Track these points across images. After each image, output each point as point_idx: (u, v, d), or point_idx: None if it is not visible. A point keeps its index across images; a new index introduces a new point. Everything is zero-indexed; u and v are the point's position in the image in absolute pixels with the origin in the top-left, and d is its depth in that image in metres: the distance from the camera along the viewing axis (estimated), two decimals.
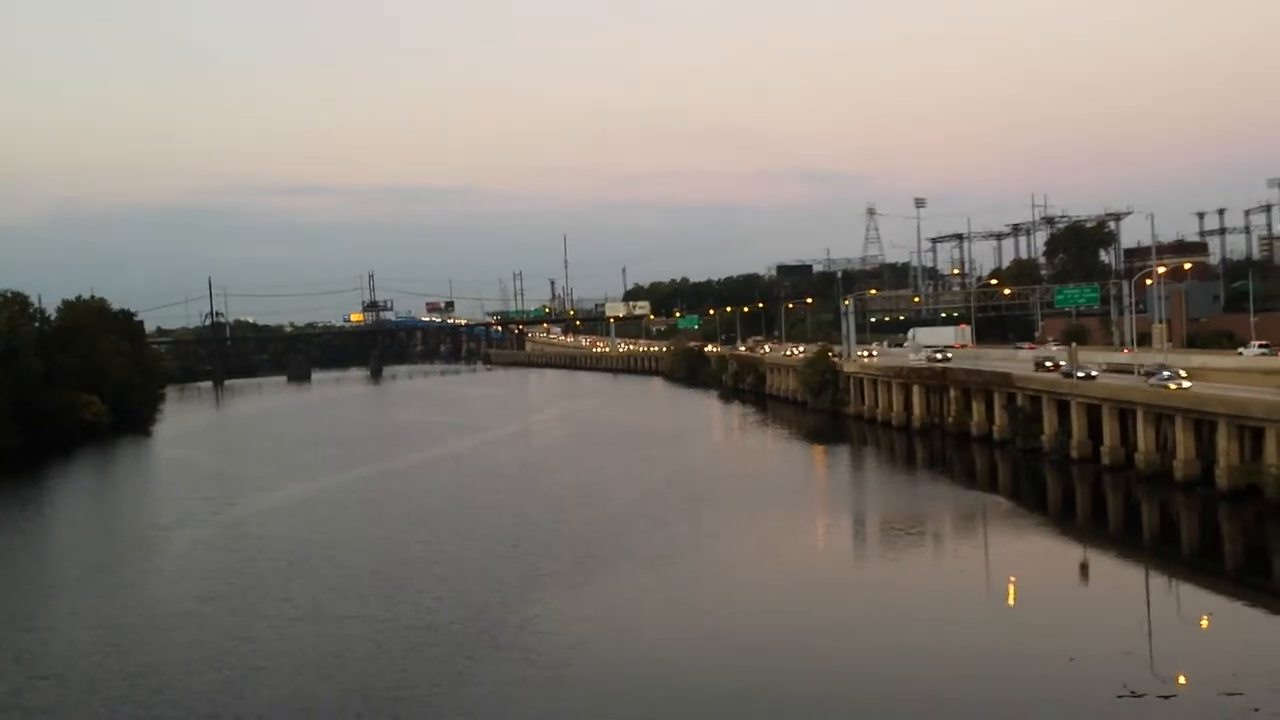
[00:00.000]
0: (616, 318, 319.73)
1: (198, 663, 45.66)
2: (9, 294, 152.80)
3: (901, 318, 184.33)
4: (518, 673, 42.66)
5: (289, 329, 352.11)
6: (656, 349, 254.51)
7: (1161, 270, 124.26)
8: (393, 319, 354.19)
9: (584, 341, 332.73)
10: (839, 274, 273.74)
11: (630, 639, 47.51)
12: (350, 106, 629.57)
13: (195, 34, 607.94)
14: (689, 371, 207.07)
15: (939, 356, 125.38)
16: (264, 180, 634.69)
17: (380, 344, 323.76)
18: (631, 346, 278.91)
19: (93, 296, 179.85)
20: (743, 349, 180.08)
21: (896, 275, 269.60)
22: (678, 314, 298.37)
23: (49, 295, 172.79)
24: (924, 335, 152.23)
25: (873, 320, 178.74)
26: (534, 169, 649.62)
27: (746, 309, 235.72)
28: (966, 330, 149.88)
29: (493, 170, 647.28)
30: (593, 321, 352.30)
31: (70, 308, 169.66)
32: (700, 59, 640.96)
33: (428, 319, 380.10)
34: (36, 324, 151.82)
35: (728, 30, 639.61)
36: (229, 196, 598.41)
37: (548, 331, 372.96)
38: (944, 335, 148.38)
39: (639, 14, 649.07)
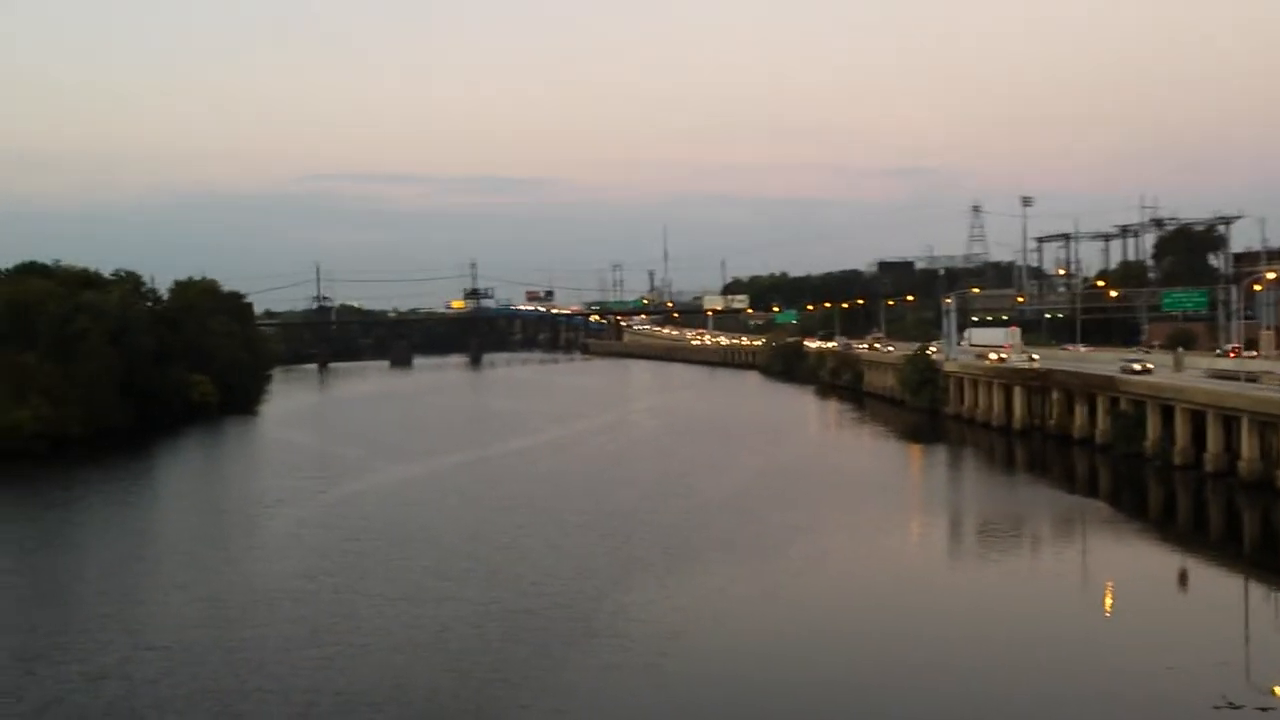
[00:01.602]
0: (714, 310, 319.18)
1: (300, 639, 46.80)
2: (123, 274, 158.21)
3: (1005, 317, 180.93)
4: (613, 659, 42.94)
5: (392, 314, 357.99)
6: (753, 343, 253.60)
7: (1271, 276, 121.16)
8: (493, 307, 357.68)
9: (681, 333, 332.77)
10: (941, 271, 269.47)
11: (723, 629, 47.50)
12: (455, 96, 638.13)
13: (305, 23, 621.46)
14: (786, 366, 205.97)
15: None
16: (372, 167, 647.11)
17: (480, 331, 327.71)
18: (728, 340, 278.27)
19: (203, 278, 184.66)
20: (862, 346, 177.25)
21: (1000, 274, 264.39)
22: (776, 308, 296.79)
23: (161, 276, 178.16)
24: (978, 335, 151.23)
25: (974, 319, 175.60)
26: (636, 160, 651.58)
27: (845, 305, 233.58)
28: (1017, 332, 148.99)
29: (595, 161, 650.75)
30: (690, 314, 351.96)
31: (181, 288, 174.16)
32: (804, 50, 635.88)
33: (527, 308, 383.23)
34: (149, 304, 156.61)
35: (834, 22, 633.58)
36: (338, 183, 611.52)
37: (646, 323, 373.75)
38: (995, 336, 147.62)
39: (741, 5, 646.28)
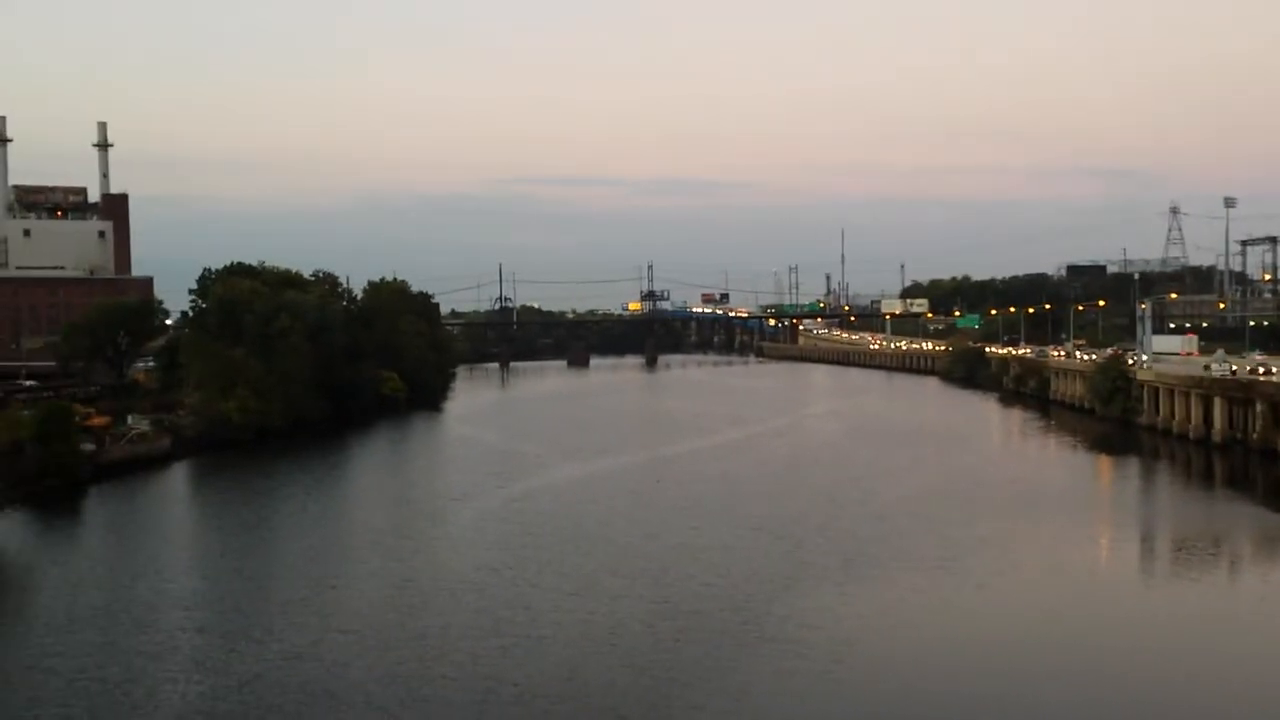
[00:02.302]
0: (892, 314, 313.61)
1: (482, 628, 48.34)
2: (321, 274, 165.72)
3: (1204, 324, 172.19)
4: (787, 664, 42.88)
5: (570, 315, 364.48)
6: (933, 348, 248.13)
7: None
8: (668, 309, 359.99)
9: (858, 338, 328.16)
10: (1136, 276, 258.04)
11: (901, 640, 46.77)
12: (634, 101, 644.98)
13: (488, 33, 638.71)
14: (967, 372, 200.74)
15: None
16: (554, 171, 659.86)
17: (656, 333, 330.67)
18: (907, 344, 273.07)
19: (395, 278, 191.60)
20: (1059, 353, 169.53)
21: (1200, 279, 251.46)
22: (957, 313, 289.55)
23: (355, 276, 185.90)
24: (1157, 343, 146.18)
25: (1171, 326, 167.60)
26: (813, 163, 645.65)
27: (1031, 310, 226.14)
28: (1194, 340, 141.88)
29: (772, 165, 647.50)
30: (868, 318, 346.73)
31: (374, 289, 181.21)
32: (988, 50, 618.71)
33: (702, 310, 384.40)
34: (344, 303, 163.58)
35: (1029, 20, 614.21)
36: (521, 186, 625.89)
37: (821, 326, 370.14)
38: (1171, 344, 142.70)
39: (934, 2, 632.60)
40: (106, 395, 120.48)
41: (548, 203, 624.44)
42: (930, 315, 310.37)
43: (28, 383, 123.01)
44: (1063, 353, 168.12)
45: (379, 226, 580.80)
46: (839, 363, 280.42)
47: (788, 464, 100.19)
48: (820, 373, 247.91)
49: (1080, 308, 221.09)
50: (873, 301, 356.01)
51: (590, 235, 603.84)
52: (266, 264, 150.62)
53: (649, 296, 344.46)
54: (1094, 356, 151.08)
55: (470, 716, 38.58)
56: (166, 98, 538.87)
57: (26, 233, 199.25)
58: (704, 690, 40.34)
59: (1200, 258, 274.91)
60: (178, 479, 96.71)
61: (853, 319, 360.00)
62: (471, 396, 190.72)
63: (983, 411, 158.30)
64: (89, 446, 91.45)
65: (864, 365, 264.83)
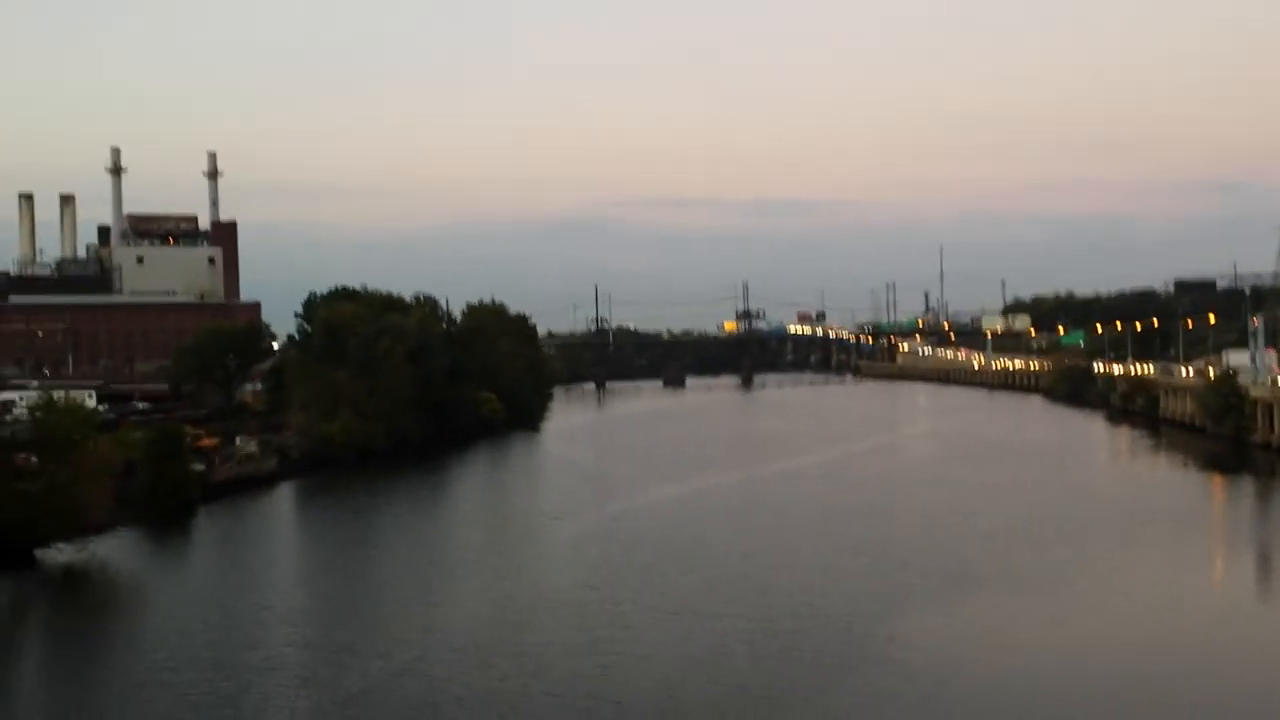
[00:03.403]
0: (994, 332, 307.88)
1: (581, 646, 48.46)
2: (421, 297, 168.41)
3: None
4: (889, 686, 42.18)
5: (666, 335, 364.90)
6: (1037, 365, 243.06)
7: None
8: (764, 328, 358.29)
9: (959, 355, 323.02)
10: (1247, 291, 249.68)
11: (1008, 663, 45.69)
12: (728, 121, 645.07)
13: (581, 53, 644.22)
14: (1072, 390, 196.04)
15: None
16: (649, 192, 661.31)
17: (751, 352, 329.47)
18: (1009, 362, 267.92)
19: (493, 301, 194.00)
20: (1186, 371, 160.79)
21: None
22: (1061, 329, 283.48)
23: (454, 298, 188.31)
24: (1233, 358, 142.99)
25: None
26: (911, 180, 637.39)
27: (1139, 326, 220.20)
28: (1274, 355, 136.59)
29: (868, 182, 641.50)
30: (968, 335, 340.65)
31: (472, 311, 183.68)
32: (1087, 61, 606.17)
33: (798, 329, 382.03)
34: (443, 325, 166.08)
35: (1135, 35, 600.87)
36: (616, 209, 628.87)
37: (920, 344, 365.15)
38: (1242, 359, 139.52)
39: (1018, 14, 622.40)
40: (216, 417, 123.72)
41: (643, 224, 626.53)
42: (1033, 332, 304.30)
43: (140, 405, 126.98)
44: (1190, 371, 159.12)
45: (477, 249, 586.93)
46: (939, 381, 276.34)
47: (887, 483, 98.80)
48: (919, 391, 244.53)
49: (1190, 323, 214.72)
50: (973, 319, 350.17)
51: (685, 256, 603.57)
52: (369, 287, 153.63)
53: (744, 316, 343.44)
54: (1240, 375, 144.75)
55: None
56: (273, 127, 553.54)
57: (140, 260, 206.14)
58: (806, 712, 39.89)
59: None
60: (284, 499, 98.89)
61: (953, 336, 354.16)
62: (568, 417, 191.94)
63: (1089, 429, 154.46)
64: (199, 467, 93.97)
65: (965, 384, 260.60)
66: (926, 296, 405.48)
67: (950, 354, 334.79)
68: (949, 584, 58.33)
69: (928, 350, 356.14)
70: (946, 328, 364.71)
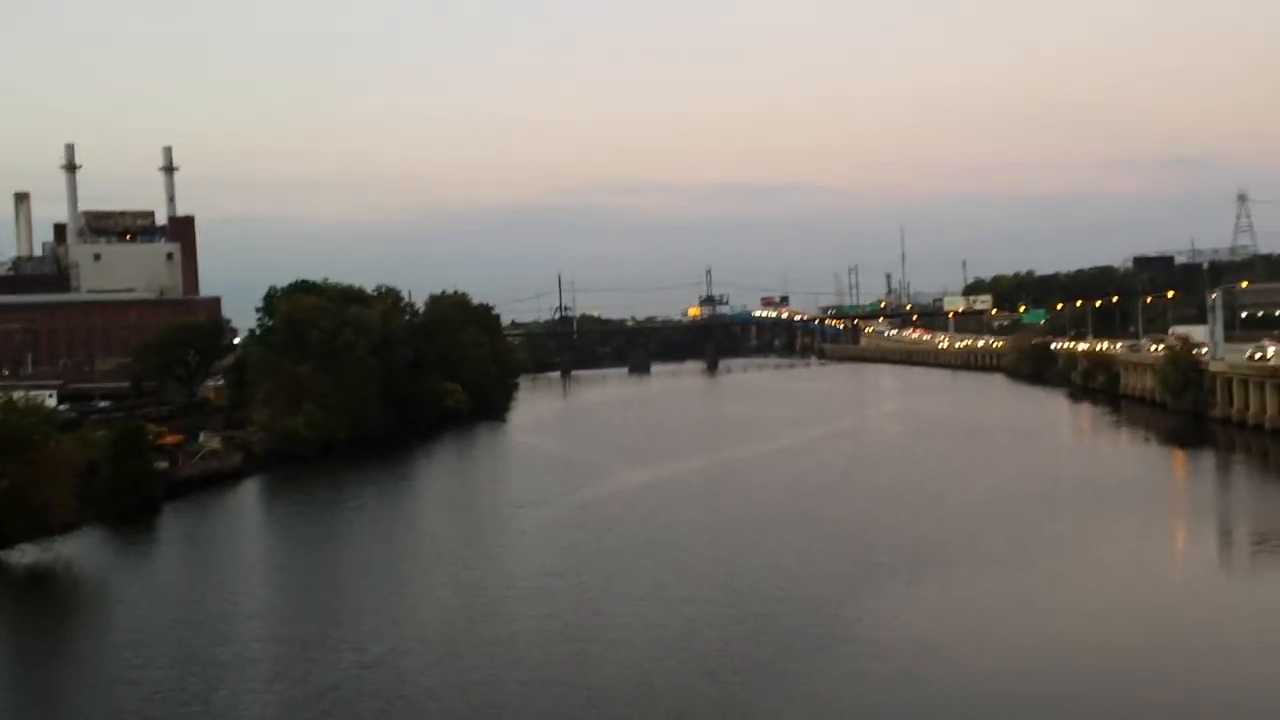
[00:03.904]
0: (956, 312, 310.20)
1: (552, 634, 48.51)
2: (383, 289, 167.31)
3: (1277, 313, 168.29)
4: (861, 666, 42.50)
5: (630, 323, 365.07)
6: (998, 344, 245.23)
7: None
8: (728, 313, 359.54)
9: (921, 336, 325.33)
10: (1205, 266, 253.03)
11: (977, 640, 46.14)
12: (688, 107, 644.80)
13: (540, 42, 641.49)
14: (1034, 368, 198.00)
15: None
16: (609, 178, 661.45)
17: (715, 338, 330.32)
18: (971, 342, 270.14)
19: (455, 291, 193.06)
20: (1156, 347, 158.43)
21: (1270, 267, 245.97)
22: (1022, 308, 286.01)
23: (416, 289, 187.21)
24: (1181, 332, 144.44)
25: (1244, 315, 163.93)
26: (870, 163, 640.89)
27: (1099, 303, 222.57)
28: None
29: (827, 166, 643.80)
30: (930, 316, 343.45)
31: (435, 302, 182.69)
32: (1042, 41, 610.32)
33: (762, 313, 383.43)
34: (406, 317, 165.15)
35: (1086, 12, 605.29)
36: (576, 196, 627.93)
37: (884, 326, 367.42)
38: (1198, 334, 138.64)
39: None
40: (178, 414, 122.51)
41: (605, 211, 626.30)
42: (995, 312, 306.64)
43: (102, 403, 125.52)
44: (1159, 346, 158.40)
45: (439, 240, 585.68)
46: (902, 362, 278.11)
47: (854, 465, 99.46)
48: (884, 373, 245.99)
49: (1148, 299, 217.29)
50: (935, 300, 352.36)
51: (648, 242, 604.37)
52: (330, 280, 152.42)
53: (708, 301, 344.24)
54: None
55: None
56: (228, 122, 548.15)
57: (97, 257, 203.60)
58: (778, 693, 40.10)
59: (1272, 244, 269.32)
60: (249, 494, 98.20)
61: (915, 318, 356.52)
62: (534, 406, 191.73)
63: (1051, 407, 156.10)
64: (163, 464, 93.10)
65: (928, 364, 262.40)
66: (889, 278, 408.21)
67: (913, 335, 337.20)
68: (917, 562, 58.83)
69: (891, 332, 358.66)
70: (909, 309, 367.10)
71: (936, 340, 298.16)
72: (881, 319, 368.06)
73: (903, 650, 43.95)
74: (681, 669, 43.02)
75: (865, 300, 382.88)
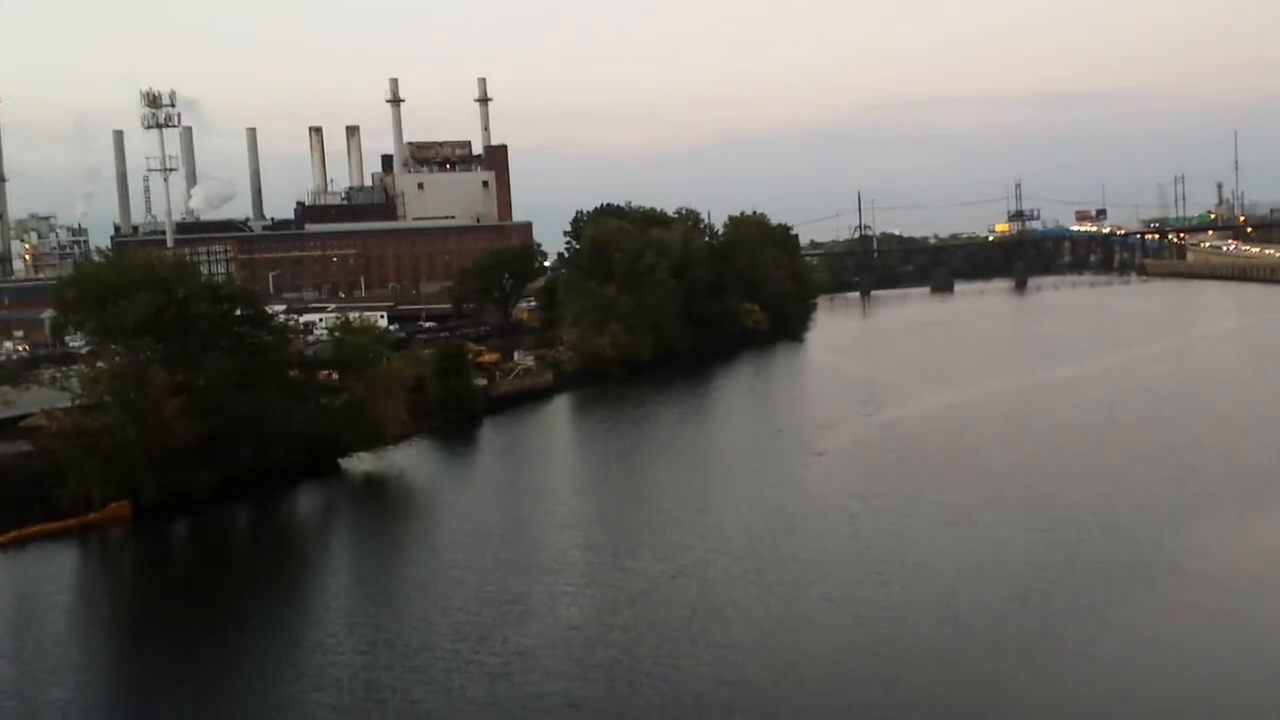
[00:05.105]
0: None
1: (853, 554, 48.42)
2: (684, 211, 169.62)
3: None
4: (1183, 598, 40.21)
5: (933, 240, 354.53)
6: None
7: None
8: (1039, 229, 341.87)
9: (1258, 250, 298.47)
10: None
11: None
12: (989, 15, 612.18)
13: None
14: None
15: None
16: (912, 94, 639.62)
17: (1025, 254, 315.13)
18: None
19: (754, 212, 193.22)
20: None
21: None
22: None
23: (716, 212, 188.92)
24: None
25: None
26: (1197, 63, 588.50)
27: None
28: None
29: (1149, 70, 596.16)
30: (1268, 228, 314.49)
31: (735, 223, 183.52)
32: None
33: (1076, 228, 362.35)
34: (706, 239, 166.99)
35: None
36: (878, 113, 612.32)
37: (1213, 240, 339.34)
38: None
39: None
40: (495, 334, 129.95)
41: (906, 127, 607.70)
42: None
43: (427, 324, 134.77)
44: None
45: (738, 162, 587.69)
46: (1235, 279, 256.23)
47: (1179, 388, 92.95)
48: (1212, 290, 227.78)
49: None
50: (1273, 210, 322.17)
51: (952, 157, 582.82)
52: (633, 204, 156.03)
53: (1017, 216, 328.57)
54: None
55: (847, 639, 38.76)
56: (537, 52, 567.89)
57: (420, 186, 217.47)
58: (1095, 623, 38.49)
59: None
60: (560, 410, 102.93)
61: (1250, 230, 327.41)
62: (832, 326, 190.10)
63: None
64: (481, 381, 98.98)
65: (1265, 281, 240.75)
66: (1219, 188, 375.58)
67: (1248, 249, 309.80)
68: (1253, 494, 54.65)
69: (1222, 246, 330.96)
70: (1242, 221, 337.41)
71: (1277, 254, 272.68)
72: (1210, 232, 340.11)
73: (1232, 586, 41.11)
74: (989, 594, 42.02)
75: (1192, 212, 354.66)
